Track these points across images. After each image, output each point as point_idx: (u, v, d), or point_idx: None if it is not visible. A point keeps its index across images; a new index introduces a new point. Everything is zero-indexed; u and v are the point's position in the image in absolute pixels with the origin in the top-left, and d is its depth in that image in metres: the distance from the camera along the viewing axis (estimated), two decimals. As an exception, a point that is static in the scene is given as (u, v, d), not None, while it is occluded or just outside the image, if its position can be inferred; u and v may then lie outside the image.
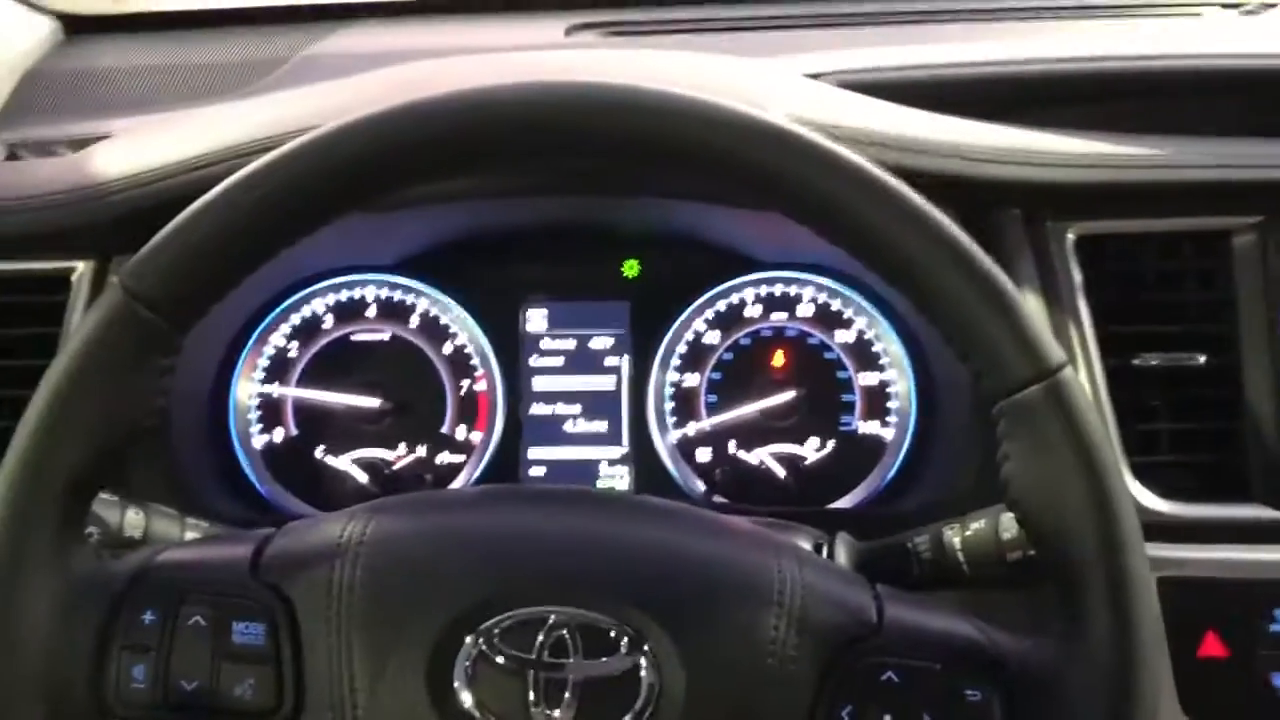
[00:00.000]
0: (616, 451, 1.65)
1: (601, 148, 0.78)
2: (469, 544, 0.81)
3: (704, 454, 1.64)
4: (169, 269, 0.78)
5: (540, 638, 0.77)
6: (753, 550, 0.83)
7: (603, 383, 1.66)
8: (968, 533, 1.00)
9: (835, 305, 1.64)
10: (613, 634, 0.78)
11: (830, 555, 1.04)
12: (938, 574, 1.02)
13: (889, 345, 1.64)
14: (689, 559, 0.82)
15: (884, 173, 0.78)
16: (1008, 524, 0.97)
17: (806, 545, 1.02)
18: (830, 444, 1.62)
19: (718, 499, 1.58)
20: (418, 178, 0.78)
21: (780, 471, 1.56)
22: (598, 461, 1.65)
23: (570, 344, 1.66)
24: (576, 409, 1.65)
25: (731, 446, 1.57)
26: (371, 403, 1.58)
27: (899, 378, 1.63)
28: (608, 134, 0.77)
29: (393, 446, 1.64)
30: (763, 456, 1.56)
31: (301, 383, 1.64)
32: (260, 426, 1.65)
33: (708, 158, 0.78)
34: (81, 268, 1.25)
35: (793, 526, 1.06)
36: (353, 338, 1.66)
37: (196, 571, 0.82)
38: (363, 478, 1.57)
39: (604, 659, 0.77)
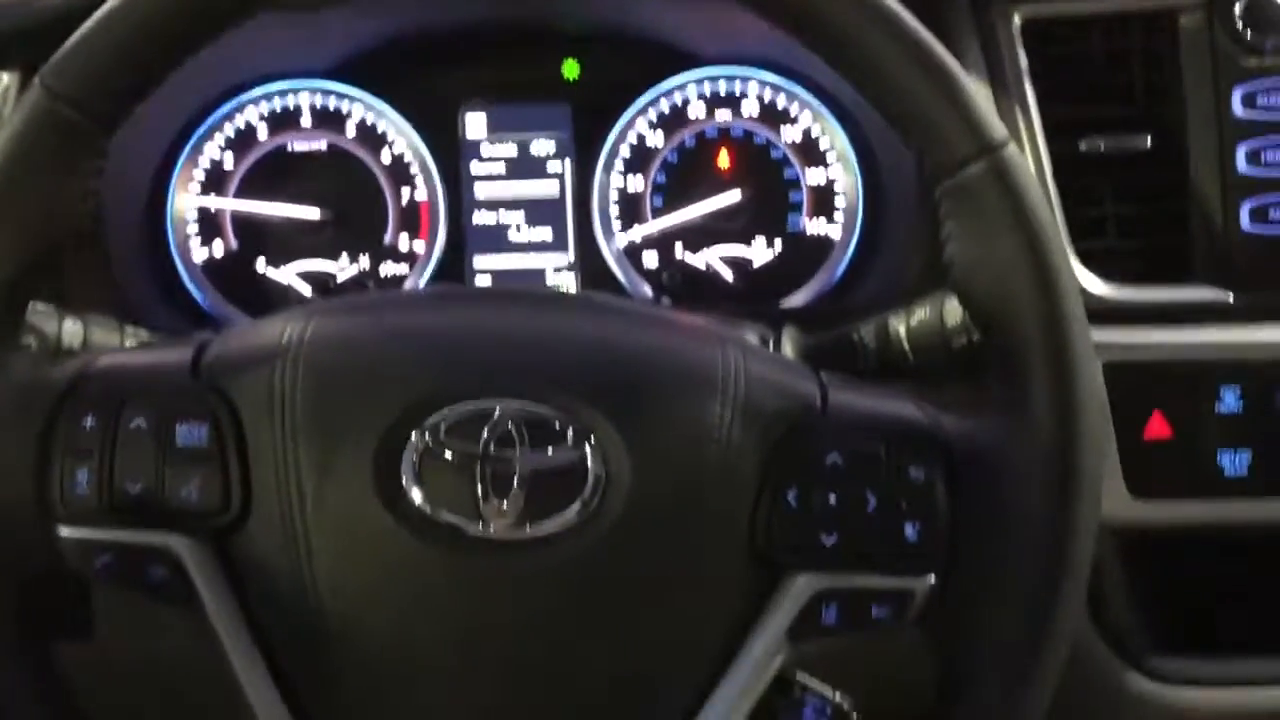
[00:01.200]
0: (562, 259, 1.65)
1: None
2: (412, 340, 0.80)
3: (651, 258, 1.64)
4: (91, 66, 0.76)
5: (486, 432, 0.77)
6: (697, 341, 0.84)
7: (546, 188, 1.65)
8: (912, 321, 1.00)
9: (780, 102, 1.63)
10: (558, 425, 0.78)
11: (777, 348, 1.04)
12: (883, 363, 1.03)
13: (835, 141, 1.63)
14: (634, 351, 0.82)
15: None
16: (952, 310, 0.97)
17: (753, 339, 1.01)
18: (778, 244, 1.62)
19: (665, 302, 1.59)
20: None
21: (728, 273, 1.61)
22: (543, 270, 1.65)
23: (511, 149, 1.65)
24: (520, 216, 1.65)
25: (678, 250, 1.62)
26: (311, 214, 1.61)
27: (845, 174, 1.63)
28: None
29: (335, 258, 1.63)
30: (710, 259, 1.61)
31: (239, 194, 1.63)
32: (200, 239, 1.64)
33: None
34: (6, 79, 1.23)
35: (740, 323, 1.06)
36: (289, 147, 1.64)
37: (136, 375, 0.81)
38: (305, 289, 1.62)
39: (550, 450, 0.78)
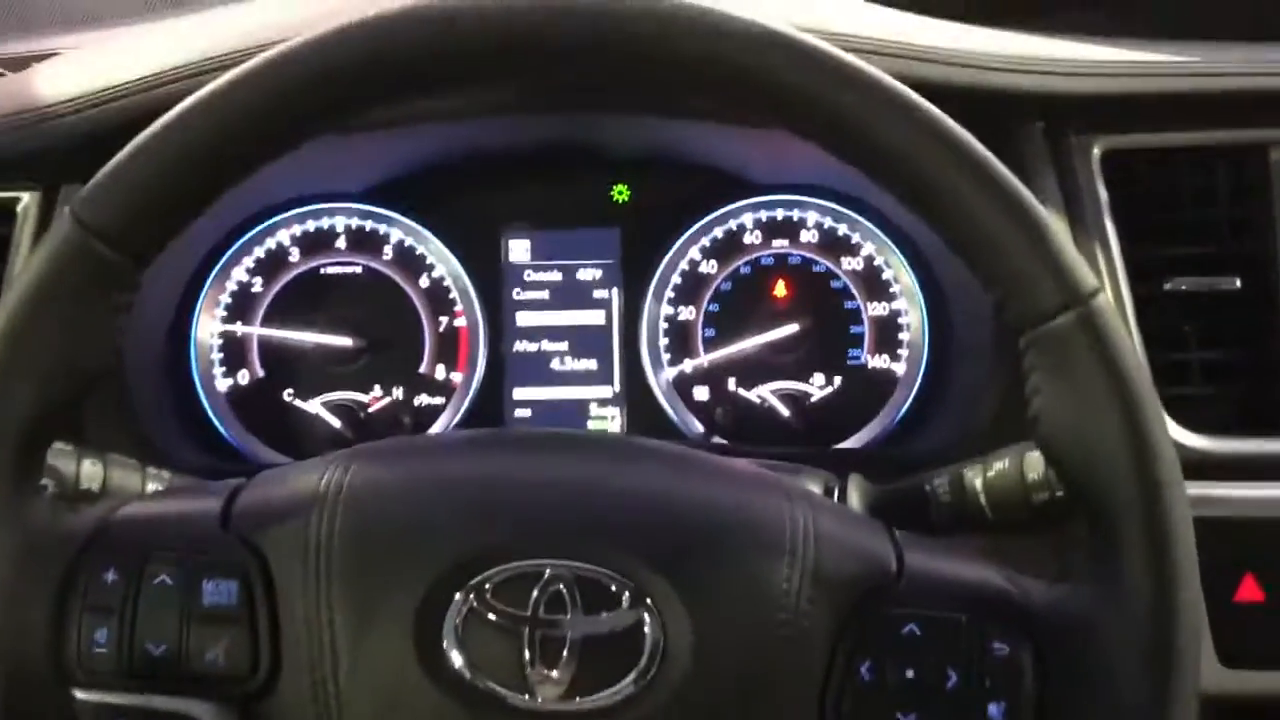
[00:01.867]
0: (607, 391, 1.60)
1: (590, 62, 0.75)
2: (457, 493, 0.79)
3: (701, 392, 1.63)
4: (126, 198, 0.75)
5: (535, 593, 0.75)
6: (761, 494, 0.81)
7: (591, 317, 1.61)
8: (990, 473, 0.98)
9: (841, 230, 1.63)
10: (613, 588, 0.76)
11: (842, 499, 1.02)
12: (958, 518, 1.00)
13: (899, 273, 1.63)
14: (692, 505, 0.79)
15: (898, 84, 0.76)
16: (1033, 463, 0.95)
17: (817, 488, 1.00)
18: (837, 380, 1.57)
19: (717, 440, 1.58)
20: (400, 93, 0.76)
21: (784, 410, 1.55)
22: (587, 402, 1.60)
23: (556, 276, 1.66)
24: (563, 346, 1.65)
25: (731, 384, 1.57)
26: (343, 342, 1.57)
27: (910, 308, 1.62)
28: (597, 46, 0.74)
29: (367, 388, 1.59)
30: (765, 394, 1.56)
31: (267, 321, 1.59)
32: (224, 369, 1.59)
33: (707, 70, 0.75)
34: (27, 199, 1.23)
35: (800, 469, 1.04)
36: (322, 271, 1.65)
37: (161, 526, 0.80)
38: (335, 422, 1.57)
39: (604, 615, 0.75)
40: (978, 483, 1.00)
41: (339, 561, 0.76)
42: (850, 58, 0.75)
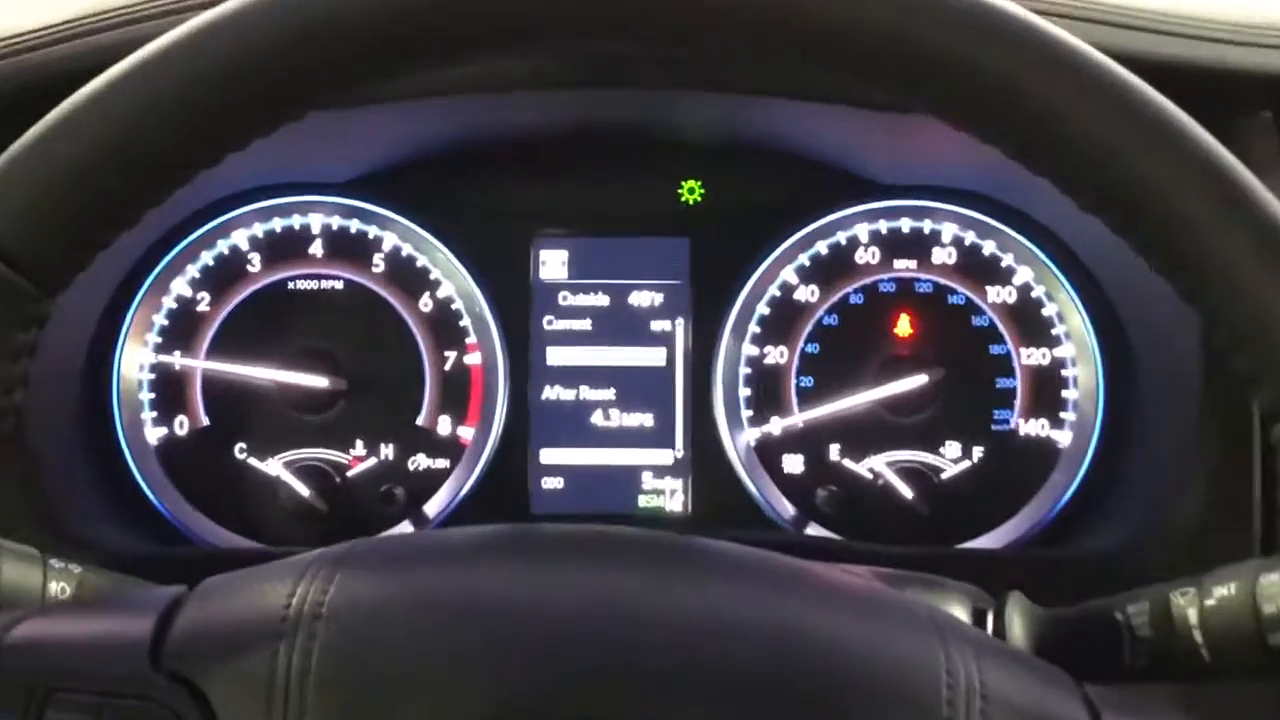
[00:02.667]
0: (666, 456, 1.61)
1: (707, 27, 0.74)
2: (487, 623, 0.74)
3: (794, 463, 1.60)
4: (32, 204, 0.72)
5: None
6: (903, 631, 0.77)
7: (648, 356, 1.62)
8: (1209, 602, 0.93)
9: (988, 248, 1.58)
10: None
11: (999, 627, 0.96)
12: (1163, 659, 0.96)
13: (1065, 308, 1.57)
14: (809, 649, 0.75)
15: (1113, 64, 0.73)
16: (1271, 590, 0.89)
17: (965, 614, 0.96)
18: (978, 452, 1.57)
19: (815, 531, 1.54)
20: (415, 63, 0.74)
21: (905, 491, 1.53)
22: (639, 470, 1.61)
23: (602, 300, 1.62)
24: (609, 394, 1.61)
25: (834, 453, 1.56)
26: (316, 381, 1.55)
27: (1079, 356, 1.57)
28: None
29: (347, 445, 1.60)
30: (879, 468, 1.54)
31: (216, 351, 1.59)
32: (156, 414, 1.60)
33: (844, 41, 0.74)
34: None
35: (940, 583, 0.99)
36: (290, 286, 1.61)
37: (67, 654, 0.75)
38: (303, 490, 1.54)
39: None
40: (1191, 614, 0.97)
41: (317, 714, 0.70)
42: (1043, 23, 0.73)
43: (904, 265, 1.58)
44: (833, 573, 0.84)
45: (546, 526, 0.87)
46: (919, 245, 1.58)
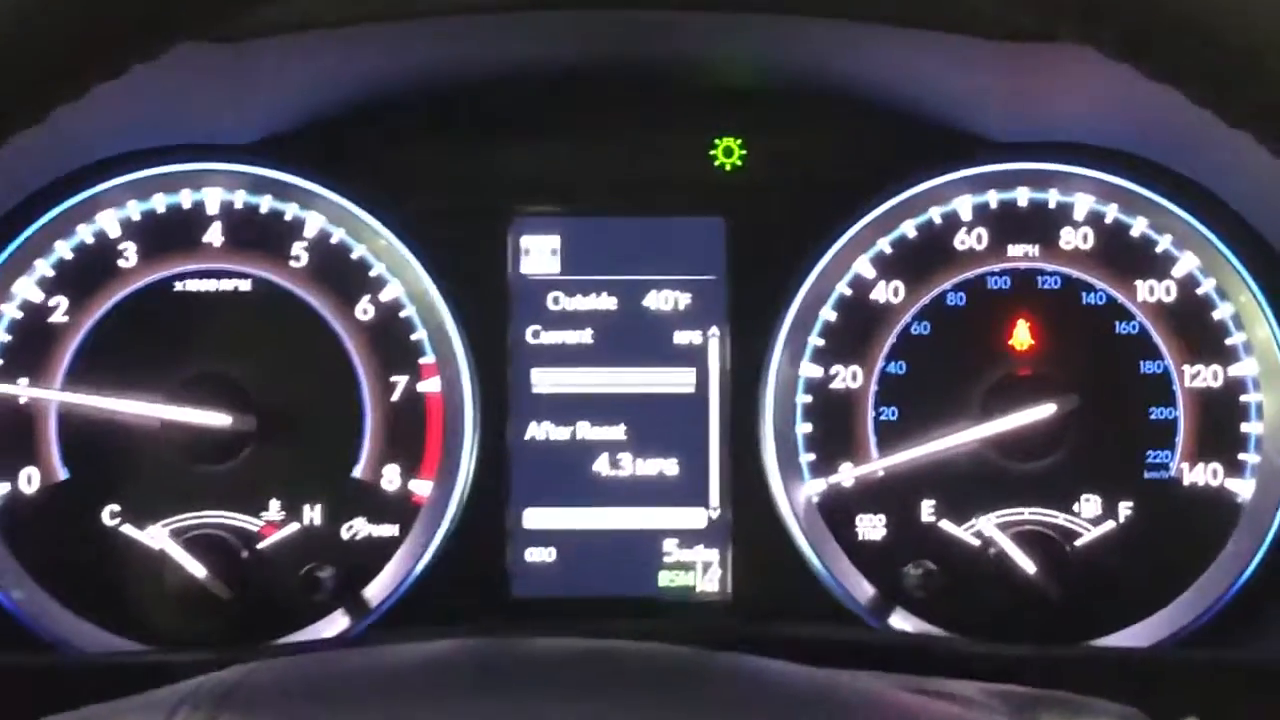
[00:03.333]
0: (698, 517, 1.53)
1: None
2: None
3: (872, 526, 1.52)
4: None
5: None
6: None
7: (672, 380, 1.54)
8: None
9: (1137, 227, 1.50)
10: None
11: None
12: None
13: (1247, 311, 1.49)
14: None
15: None
16: None
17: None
18: (1126, 509, 1.50)
19: (902, 622, 1.46)
20: None
21: (1026, 564, 1.46)
22: (659, 536, 1.53)
23: (607, 302, 1.55)
24: (618, 432, 1.53)
25: (927, 512, 1.51)
26: (216, 419, 1.49)
27: (1267, 378, 1.48)
28: None
29: (256, 506, 1.51)
30: (989, 532, 1.48)
31: (76, 377, 1.51)
32: None
33: None
34: None
35: (1080, 704, 0.97)
36: (179, 287, 1.53)
37: None
38: (197, 569, 1.47)
39: None
40: None
41: None
42: None
43: (1021, 251, 1.51)
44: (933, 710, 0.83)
45: (531, 646, 0.87)
46: (1042, 224, 1.51)
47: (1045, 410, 1.50)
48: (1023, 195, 1.52)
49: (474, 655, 0.88)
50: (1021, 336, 1.52)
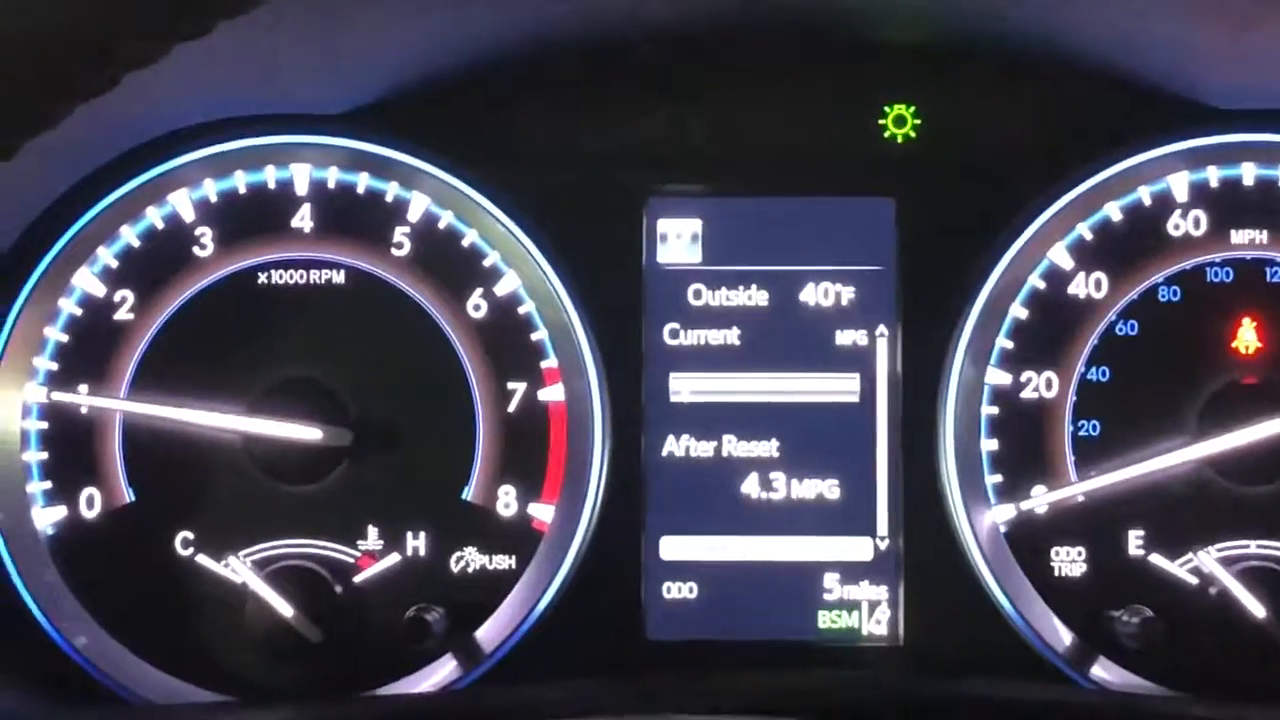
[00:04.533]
0: (864, 548, 1.43)
1: None
2: None
3: (1070, 559, 1.42)
4: None
5: None
6: None
7: (833, 388, 1.45)
8: None
9: None
10: None
11: None
12: None
13: None
14: None
15: None
16: None
17: None
18: None
19: (1110, 674, 1.37)
20: None
21: (1255, 605, 1.36)
22: (819, 570, 1.43)
23: (758, 297, 1.45)
24: (771, 448, 1.44)
25: (1135, 544, 1.41)
26: (306, 432, 1.41)
27: None
28: None
29: (352, 535, 1.43)
30: (1210, 567, 1.38)
31: (144, 384, 1.44)
32: (49, 484, 1.44)
33: None
34: None
35: None
36: (262, 279, 1.46)
37: None
38: (284, 607, 1.38)
39: None
40: None
41: None
42: None
43: (1247, 238, 1.43)
44: None
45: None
46: (1272, 206, 1.43)
47: (1275, 425, 1.40)
48: (1248, 172, 1.43)
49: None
50: (1247, 338, 1.43)
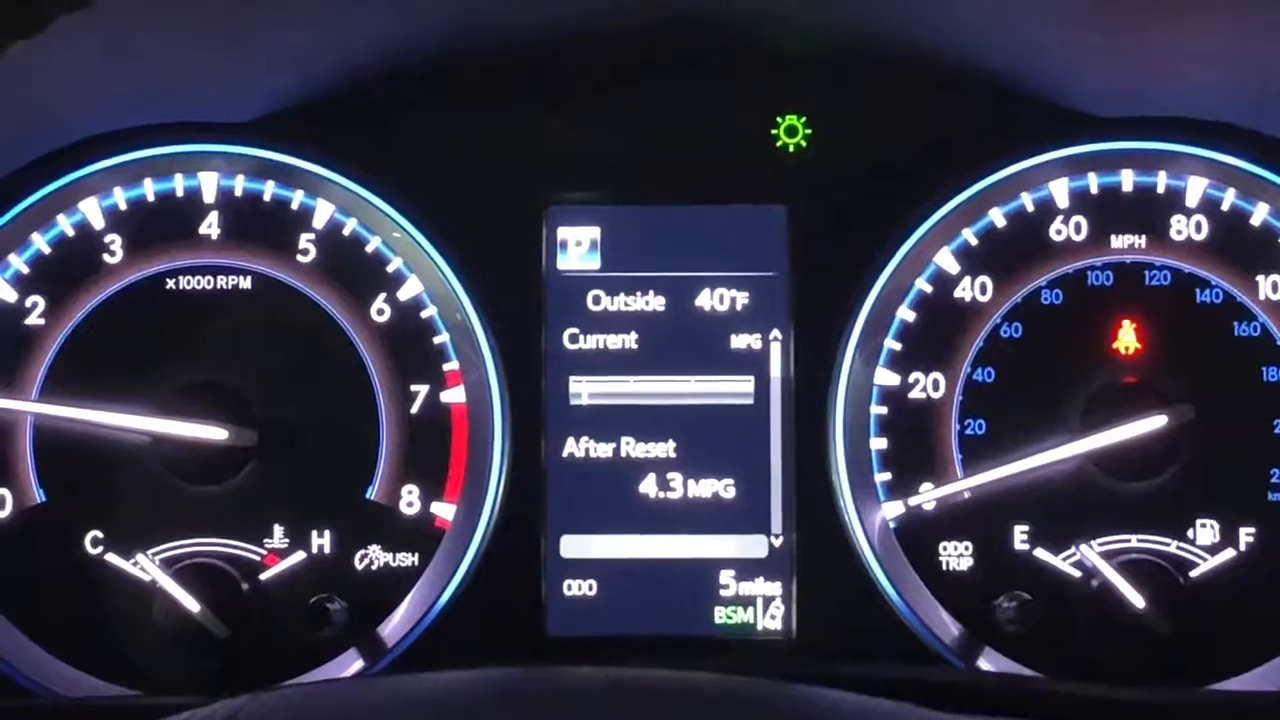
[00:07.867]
0: (759, 545, 1.46)
1: None
2: None
3: (957, 553, 1.45)
4: None
5: None
6: None
7: (728, 390, 1.47)
8: None
9: (1258, 215, 1.44)
10: None
11: None
12: None
13: None
14: None
15: None
16: None
17: None
18: (1248, 535, 1.43)
19: (994, 664, 1.40)
20: None
21: (1134, 597, 1.39)
22: (715, 567, 1.46)
23: (655, 301, 1.48)
24: (667, 448, 1.46)
25: (1020, 538, 1.44)
26: (212, 433, 1.43)
27: None
28: None
29: (258, 532, 1.45)
30: (1092, 560, 1.41)
31: (54, 387, 1.46)
32: None
33: None
34: None
35: None
36: (170, 285, 1.47)
37: None
38: (191, 603, 1.40)
39: None
40: None
41: None
42: None
43: (1127, 243, 1.46)
44: None
45: (563, 674, 0.90)
46: (1150, 211, 1.46)
47: (1155, 423, 1.44)
48: (1127, 178, 1.47)
49: (505, 682, 0.88)
50: (1127, 339, 1.47)
